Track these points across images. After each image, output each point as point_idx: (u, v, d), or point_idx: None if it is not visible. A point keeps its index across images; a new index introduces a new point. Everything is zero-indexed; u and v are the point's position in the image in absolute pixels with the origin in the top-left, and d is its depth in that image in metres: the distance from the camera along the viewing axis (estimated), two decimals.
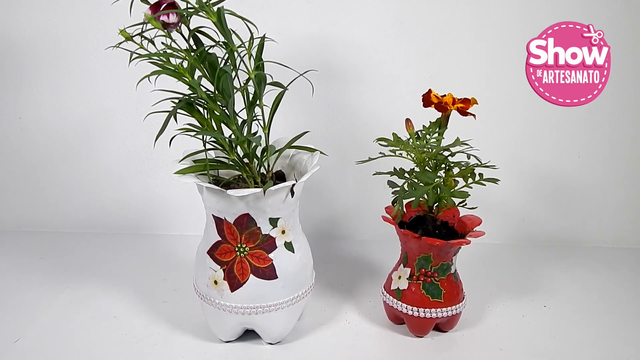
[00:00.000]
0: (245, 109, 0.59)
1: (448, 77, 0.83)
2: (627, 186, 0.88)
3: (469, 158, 0.60)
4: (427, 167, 0.62)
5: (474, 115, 0.61)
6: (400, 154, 0.63)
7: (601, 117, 0.84)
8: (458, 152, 0.61)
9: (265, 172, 0.63)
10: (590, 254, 0.87)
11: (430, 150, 0.60)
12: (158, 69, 0.53)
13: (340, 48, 0.83)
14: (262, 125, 0.60)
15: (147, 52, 0.53)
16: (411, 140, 0.63)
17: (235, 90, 0.55)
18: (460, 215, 0.66)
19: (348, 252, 0.88)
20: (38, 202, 0.92)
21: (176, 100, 0.57)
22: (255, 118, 0.61)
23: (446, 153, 0.62)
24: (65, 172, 0.91)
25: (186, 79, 0.54)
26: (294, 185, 0.57)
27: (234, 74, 0.56)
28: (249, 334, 0.65)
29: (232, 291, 0.59)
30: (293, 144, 0.63)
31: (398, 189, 0.62)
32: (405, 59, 0.83)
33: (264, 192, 0.55)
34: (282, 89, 0.61)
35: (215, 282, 0.60)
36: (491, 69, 0.83)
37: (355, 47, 0.83)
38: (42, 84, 0.86)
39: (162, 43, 0.54)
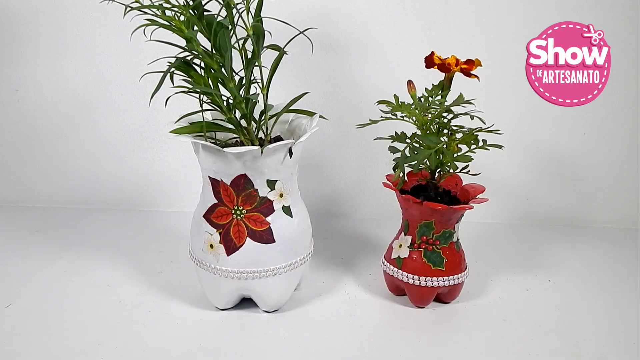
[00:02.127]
0: (243, 69, 0.58)
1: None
2: (631, 167, 0.86)
3: (472, 119, 0.58)
4: (429, 131, 0.61)
5: (477, 77, 0.60)
6: (402, 116, 0.61)
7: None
8: (461, 114, 0.59)
9: (263, 137, 0.61)
10: (594, 234, 0.85)
11: (435, 111, 0.59)
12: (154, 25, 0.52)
13: (342, 20, 0.81)
14: (261, 86, 0.59)
15: (141, 4, 0.51)
16: (413, 103, 0.61)
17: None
18: (463, 184, 0.65)
19: (348, 229, 0.86)
20: (34, 177, 0.91)
21: (172, 61, 0.55)
22: (254, 80, 0.59)
23: (450, 116, 0.60)
24: (62, 146, 0.89)
25: (182, 32, 0.52)
26: (292, 145, 0.56)
27: (231, 31, 0.55)
28: (245, 303, 0.63)
29: (228, 255, 0.57)
30: (292, 108, 0.62)
31: (399, 154, 0.61)
32: (407, 32, 0.82)
33: (262, 151, 0.53)
34: (281, 51, 0.59)
35: (211, 246, 0.58)
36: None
37: (357, 19, 0.81)
38: (38, 56, 0.85)
39: None
